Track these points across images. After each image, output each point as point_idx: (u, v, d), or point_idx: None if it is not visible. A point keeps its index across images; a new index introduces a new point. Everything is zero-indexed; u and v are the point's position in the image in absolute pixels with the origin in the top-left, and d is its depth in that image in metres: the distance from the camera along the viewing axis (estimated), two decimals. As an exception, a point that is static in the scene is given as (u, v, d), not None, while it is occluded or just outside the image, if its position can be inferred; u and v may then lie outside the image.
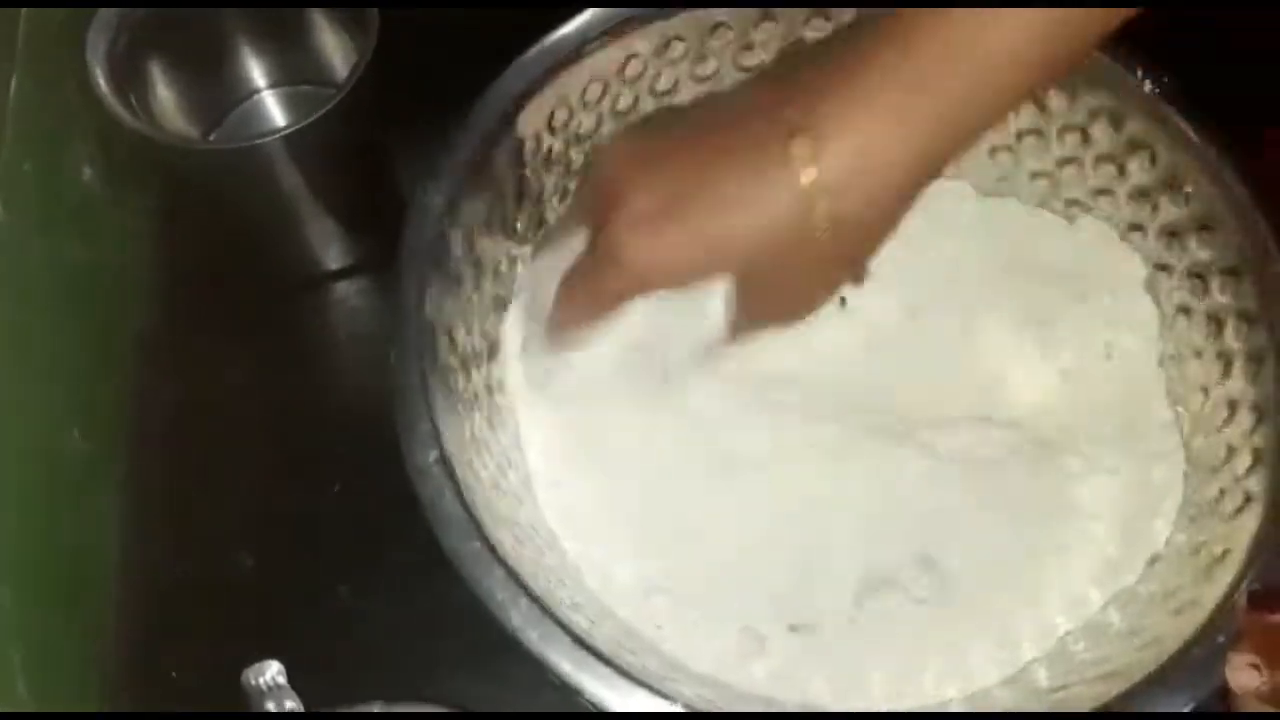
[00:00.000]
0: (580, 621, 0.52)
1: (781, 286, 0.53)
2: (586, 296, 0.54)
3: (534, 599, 0.51)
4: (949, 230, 0.67)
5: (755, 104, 0.51)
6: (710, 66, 0.65)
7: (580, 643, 0.50)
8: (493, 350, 0.62)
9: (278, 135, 0.63)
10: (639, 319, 0.55)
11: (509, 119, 0.60)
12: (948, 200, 0.68)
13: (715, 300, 0.54)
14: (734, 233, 0.50)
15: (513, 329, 0.64)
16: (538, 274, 0.60)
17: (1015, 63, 0.48)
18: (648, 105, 0.66)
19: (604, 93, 0.64)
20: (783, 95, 0.50)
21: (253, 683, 0.60)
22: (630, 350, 0.58)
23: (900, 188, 0.50)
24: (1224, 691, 0.49)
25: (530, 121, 0.61)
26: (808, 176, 0.48)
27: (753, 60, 0.65)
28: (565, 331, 0.56)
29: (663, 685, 0.50)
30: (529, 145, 0.62)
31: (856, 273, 0.53)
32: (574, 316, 0.55)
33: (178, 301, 0.74)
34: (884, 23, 0.49)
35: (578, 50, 0.62)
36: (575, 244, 0.55)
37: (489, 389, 0.61)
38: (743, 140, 0.50)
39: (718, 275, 0.52)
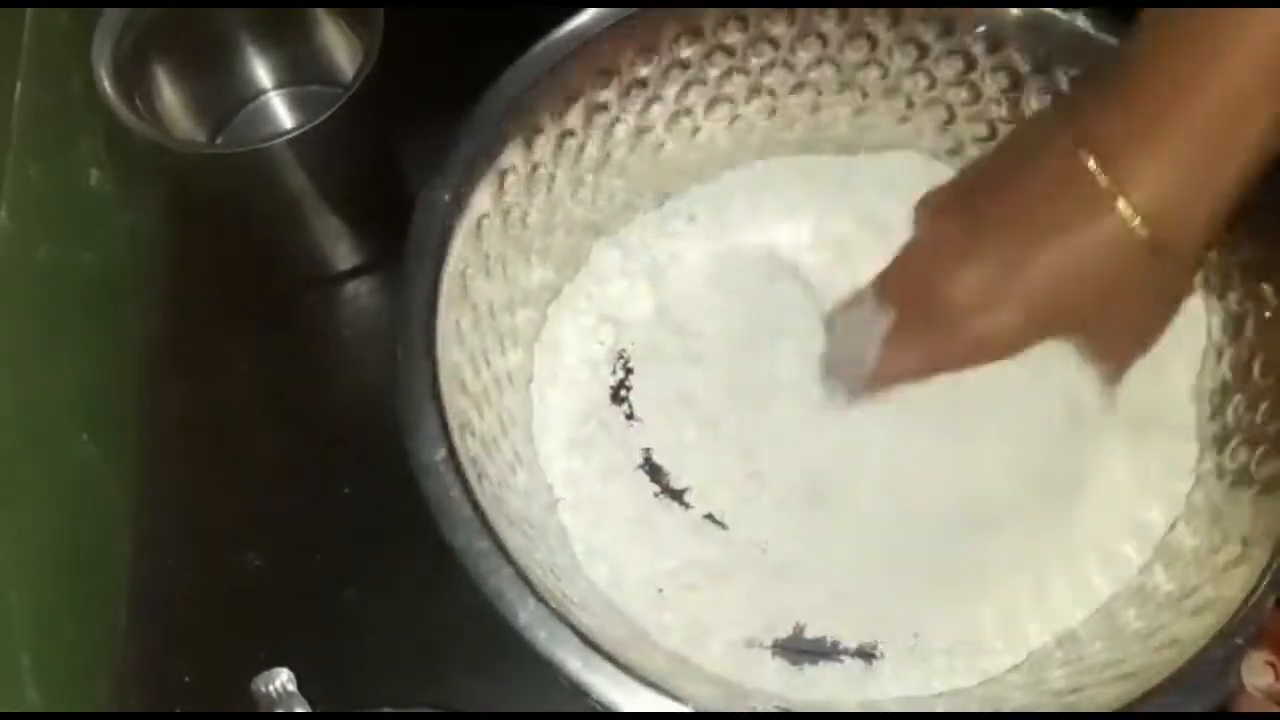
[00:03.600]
0: (588, 620, 0.51)
1: (1132, 319, 0.54)
2: (919, 360, 0.55)
3: (542, 598, 0.50)
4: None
5: (1050, 157, 0.51)
6: (719, 61, 0.65)
7: (588, 642, 0.50)
8: (502, 348, 0.62)
9: (285, 138, 0.63)
10: None
11: (515, 114, 0.60)
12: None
13: None
14: (1072, 298, 0.51)
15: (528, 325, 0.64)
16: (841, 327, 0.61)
17: None
18: (656, 99, 0.65)
19: (611, 85, 0.63)
20: (1077, 131, 0.50)
21: (263, 690, 0.60)
22: None
23: (1217, 196, 0.49)
24: (1236, 690, 0.49)
25: (537, 116, 0.61)
26: (1130, 223, 0.48)
27: (763, 54, 0.65)
28: (883, 383, 0.57)
29: (671, 684, 0.50)
30: (536, 139, 0.62)
31: (1192, 282, 0.54)
32: (899, 373, 0.56)
33: (186, 303, 0.73)
34: (1158, 29, 0.49)
35: (583, 45, 0.61)
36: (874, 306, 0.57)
37: (498, 386, 0.61)
38: (1057, 201, 0.50)
39: (1058, 336, 0.53)
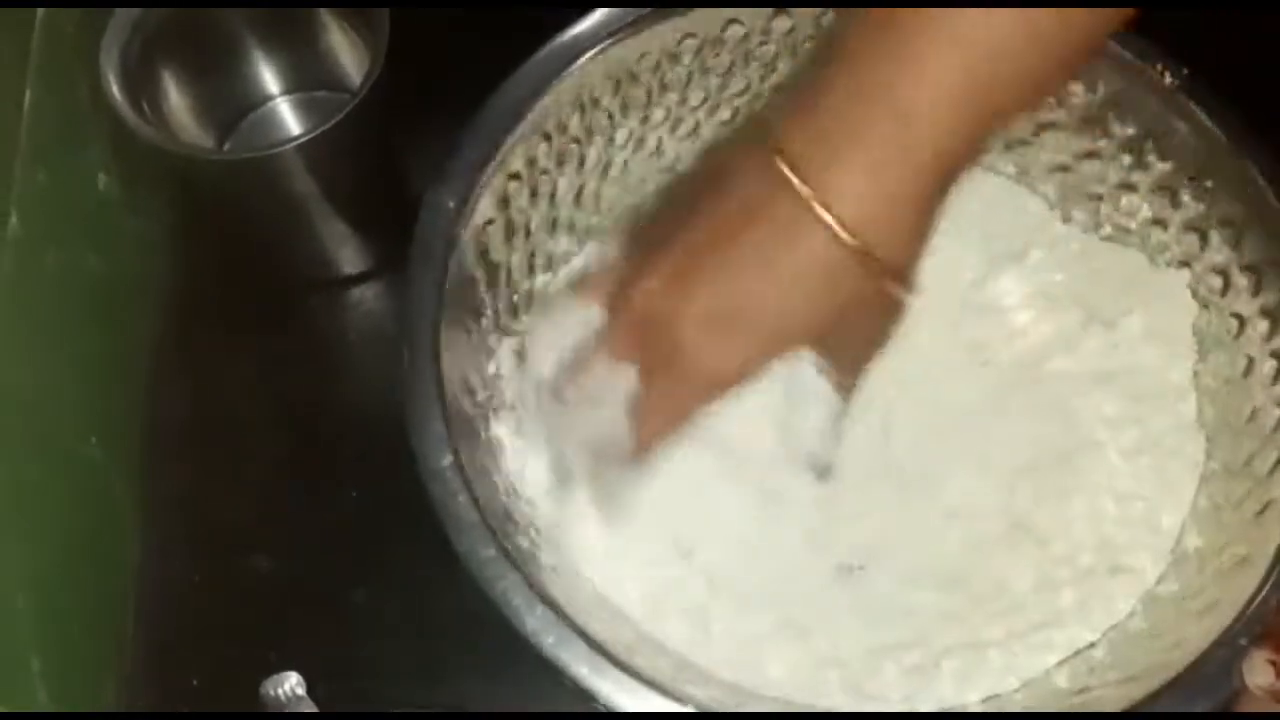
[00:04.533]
0: (594, 626, 0.51)
1: (855, 329, 0.53)
2: (667, 414, 0.54)
3: (548, 603, 0.50)
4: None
5: (750, 174, 0.50)
6: (723, 63, 0.65)
7: (595, 647, 0.50)
8: (509, 352, 0.62)
9: (292, 143, 0.63)
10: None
11: (519, 118, 0.60)
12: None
13: None
14: (799, 312, 0.50)
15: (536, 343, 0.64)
16: (572, 420, 0.57)
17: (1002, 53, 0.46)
18: (659, 103, 0.66)
19: (615, 91, 0.64)
20: (770, 153, 0.49)
21: (272, 693, 0.61)
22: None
23: (921, 199, 0.49)
24: (1239, 690, 0.49)
25: (541, 121, 0.61)
26: (836, 225, 0.47)
27: (765, 55, 0.65)
28: (646, 449, 0.55)
29: (676, 688, 0.50)
30: (540, 144, 0.62)
31: (907, 286, 0.52)
32: (656, 434, 0.54)
33: (193, 307, 0.74)
34: (850, 34, 0.48)
35: (588, 49, 0.61)
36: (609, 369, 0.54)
37: (506, 391, 0.61)
38: (761, 219, 0.49)
39: (794, 351, 0.53)
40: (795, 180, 0.48)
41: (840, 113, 0.48)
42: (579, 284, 0.60)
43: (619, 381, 0.53)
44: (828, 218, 0.47)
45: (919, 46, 0.46)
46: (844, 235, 0.47)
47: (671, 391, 0.53)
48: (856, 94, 0.48)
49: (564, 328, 0.56)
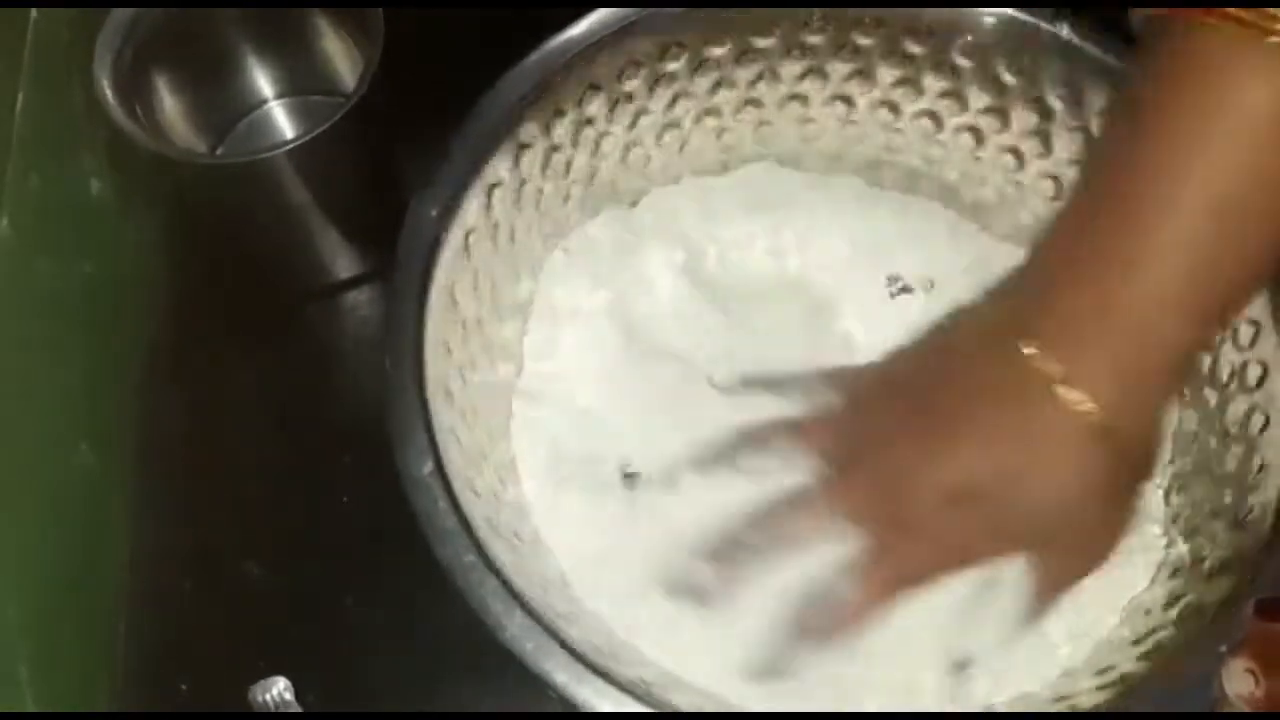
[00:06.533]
0: (576, 634, 0.52)
1: (1085, 537, 0.52)
2: (899, 578, 0.52)
3: (529, 611, 0.50)
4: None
5: (994, 350, 0.50)
6: (712, 72, 0.65)
7: (575, 655, 0.50)
8: (492, 360, 0.62)
9: (285, 148, 0.63)
10: None
11: (507, 125, 0.60)
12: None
13: None
14: (1040, 507, 0.49)
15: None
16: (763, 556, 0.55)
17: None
18: (644, 111, 0.66)
19: (598, 99, 0.64)
20: (1015, 329, 0.49)
21: (260, 699, 0.61)
22: None
23: (1163, 390, 0.49)
24: (1217, 698, 0.49)
25: (529, 127, 0.61)
26: (1078, 407, 0.47)
27: (757, 64, 0.65)
28: (865, 612, 0.53)
29: (658, 697, 0.50)
30: (527, 151, 0.62)
31: (1147, 475, 0.52)
32: (880, 596, 0.52)
33: (185, 314, 0.74)
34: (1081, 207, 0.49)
35: (578, 55, 0.61)
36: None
37: (486, 398, 0.61)
38: (1010, 399, 0.49)
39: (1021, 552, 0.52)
40: (1033, 354, 0.48)
41: (1081, 288, 0.48)
42: (798, 429, 0.57)
43: (831, 533, 0.53)
44: (1067, 392, 0.47)
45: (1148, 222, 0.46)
46: (1087, 409, 0.47)
47: (909, 556, 0.52)
48: (1100, 273, 0.47)
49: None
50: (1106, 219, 0.48)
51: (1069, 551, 0.52)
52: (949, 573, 0.52)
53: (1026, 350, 0.48)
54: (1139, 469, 0.50)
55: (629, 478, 0.63)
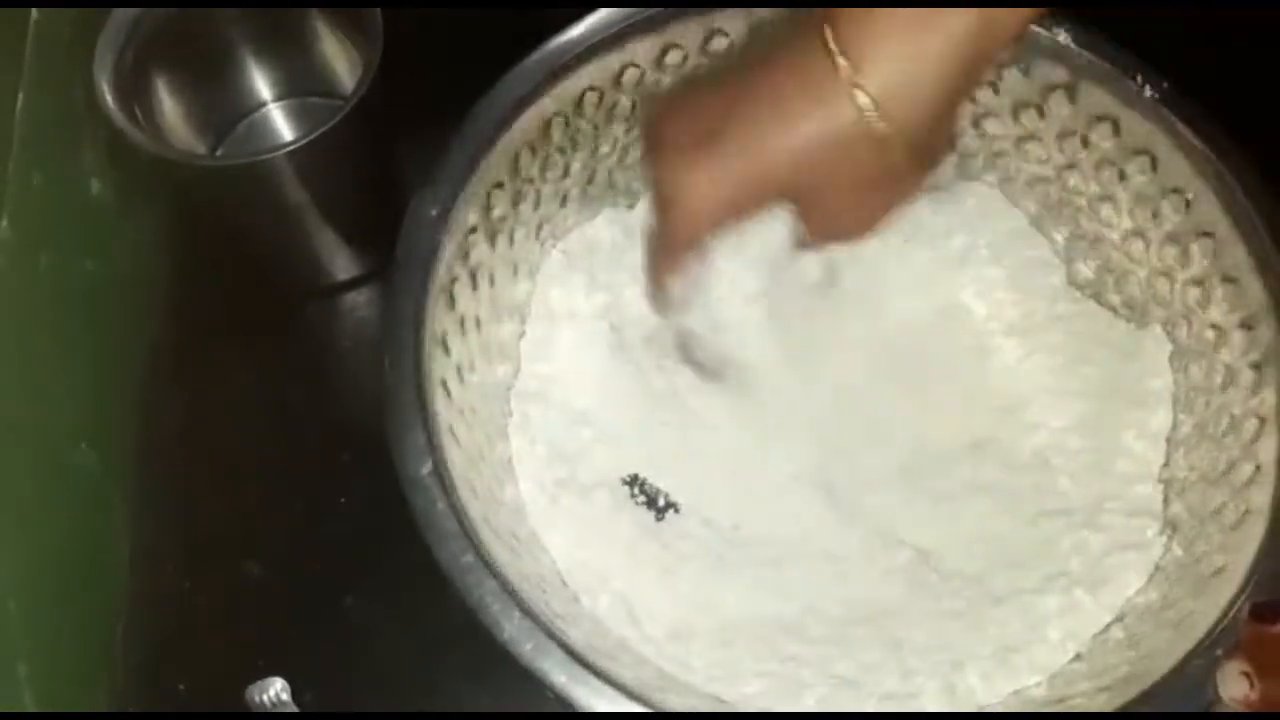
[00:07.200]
0: (573, 634, 0.52)
1: (843, 203, 0.53)
2: (662, 252, 0.55)
3: (526, 611, 0.51)
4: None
5: (791, 33, 0.51)
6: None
7: (573, 655, 0.50)
8: (490, 360, 0.62)
9: (285, 149, 0.63)
10: None
11: (505, 126, 0.61)
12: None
13: None
14: (776, 148, 0.50)
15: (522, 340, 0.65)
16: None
17: None
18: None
19: (600, 100, 0.64)
20: (815, 21, 0.49)
21: (257, 699, 0.61)
22: None
23: (949, 92, 0.49)
24: (1212, 701, 0.49)
25: (528, 128, 0.61)
26: (852, 83, 0.48)
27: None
28: (662, 295, 0.57)
29: (656, 698, 0.50)
30: (526, 152, 0.62)
31: (918, 183, 0.53)
32: (659, 276, 0.56)
33: (185, 313, 0.74)
34: None
35: (575, 58, 0.62)
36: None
37: (484, 399, 0.61)
38: (783, 64, 0.50)
39: (771, 201, 0.52)
40: (832, 45, 0.48)
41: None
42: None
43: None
44: (861, 97, 0.48)
45: None
46: (874, 117, 0.48)
47: (660, 231, 0.54)
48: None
49: None
50: None
51: (829, 213, 0.53)
52: (706, 224, 0.53)
53: (826, 34, 0.49)
54: (914, 155, 0.50)
55: (628, 480, 0.63)
